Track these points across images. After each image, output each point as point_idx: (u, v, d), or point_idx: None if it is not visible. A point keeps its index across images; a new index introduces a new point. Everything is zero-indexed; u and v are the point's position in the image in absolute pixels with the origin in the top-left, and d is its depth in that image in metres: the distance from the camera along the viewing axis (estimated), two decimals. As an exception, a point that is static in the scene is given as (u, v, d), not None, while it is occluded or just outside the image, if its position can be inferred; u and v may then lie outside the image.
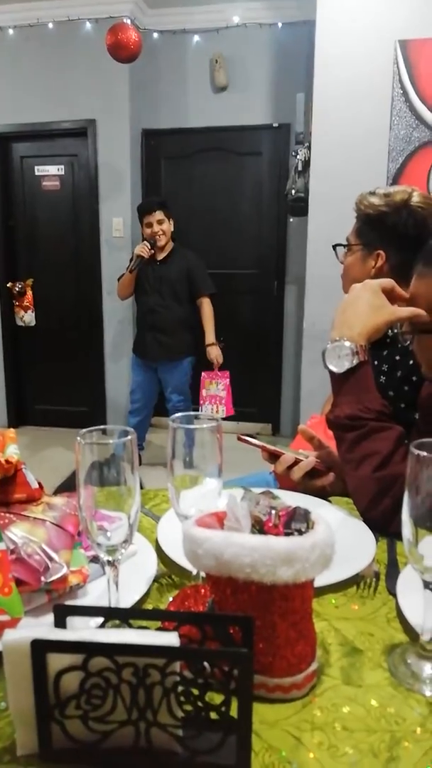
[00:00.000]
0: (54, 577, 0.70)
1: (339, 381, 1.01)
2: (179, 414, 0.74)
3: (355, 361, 0.98)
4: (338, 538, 0.61)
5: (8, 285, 4.40)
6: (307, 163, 3.37)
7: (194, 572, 0.72)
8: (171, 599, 0.70)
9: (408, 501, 0.60)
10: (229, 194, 4.40)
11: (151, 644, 0.48)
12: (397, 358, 1.36)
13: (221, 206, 4.41)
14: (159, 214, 3.45)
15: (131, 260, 3.63)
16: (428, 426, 1.06)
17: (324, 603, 0.76)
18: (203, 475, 0.73)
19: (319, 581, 0.67)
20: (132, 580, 0.75)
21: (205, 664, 0.48)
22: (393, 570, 0.82)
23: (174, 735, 0.48)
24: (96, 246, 4.39)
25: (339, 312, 1.04)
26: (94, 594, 0.75)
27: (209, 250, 4.01)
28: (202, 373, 3.66)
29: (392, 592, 0.77)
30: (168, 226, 3.49)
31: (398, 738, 0.54)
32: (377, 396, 1.00)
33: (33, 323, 4.50)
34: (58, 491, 0.93)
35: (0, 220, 4.51)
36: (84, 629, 0.54)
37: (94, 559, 0.78)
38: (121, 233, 4.32)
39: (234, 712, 0.48)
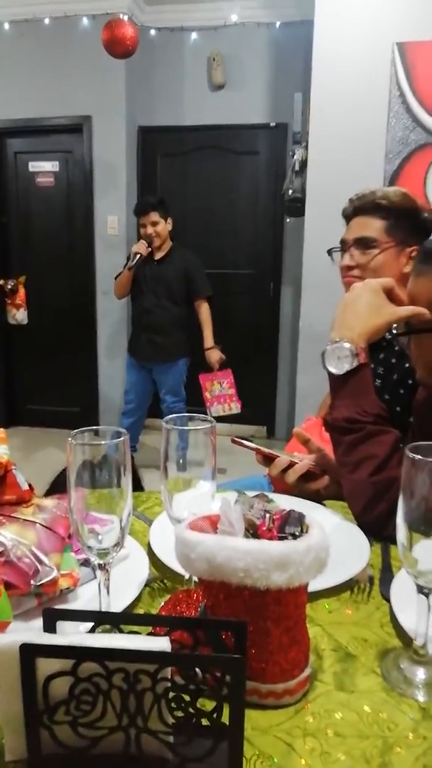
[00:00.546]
0: (44, 581, 0.69)
1: (337, 383, 1.00)
2: (173, 415, 0.73)
3: (354, 363, 0.98)
4: (332, 542, 0.61)
5: (0, 283, 4.37)
6: (304, 163, 3.37)
7: (186, 576, 0.71)
8: (163, 604, 0.69)
9: (402, 505, 0.60)
10: (225, 193, 4.39)
11: (142, 649, 0.47)
12: (393, 361, 1.36)
13: (217, 205, 4.40)
14: (154, 216, 3.43)
15: (128, 258, 3.62)
16: (423, 429, 1.05)
17: (317, 608, 0.75)
18: (197, 478, 0.72)
19: (313, 586, 0.67)
20: (123, 584, 0.74)
21: (197, 669, 0.48)
22: (387, 574, 0.82)
23: (165, 741, 0.48)
24: (90, 243, 4.37)
25: (339, 312, 1.03)
26: (85, 598, 0.74)
27: (205, 250, 4.00)
28: (200, 377, 3.63)
29: (386, 596, 0.77)
30: (163, 227, 3.46)
31: (390, 744, 0.54)
32: (376, 399, 0.99)
33: (25, 322, 4.47)
34: (48, 493, 0.92)
35: (-6, 217, 4.49)
36: (74, 634, 0.53)
37: (85, 563, 0.77)
38: (116, 231, 4.31)
39: (226, 718, 0.47)
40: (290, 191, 3.48)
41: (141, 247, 3.42)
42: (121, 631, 0.55)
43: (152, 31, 4.17)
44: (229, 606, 0.58)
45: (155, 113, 4.35)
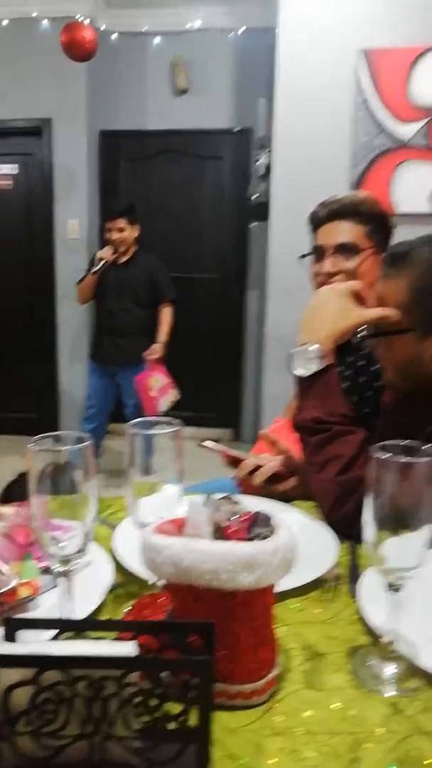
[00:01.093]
0: (3, 590, 0.67)
1: (305, 384, 1.01)
2: (137, 420, 0.72)
3: (321, 365, 0.98)
4: (300, 542, 0.61)
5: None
6: (268, 168, 3.40)
7: (151, 581, 0.70)
8: (128, 609, 0.68)
9: (370, 503, 0.60)
10: (189, 198, 4.39)
11: (107, 655, 0.46)
12: (361, 364, 1.37)
13: (182, 210, 4.40)
14: (121, 222, 3.41)
15: (91, 263, 3.58)
16: (390, 430, 1.06)
17: (286, 607, 0.75)
18: (162, 482, 0.71)
19: (282, 585, 0.67)
20: (87, 591, 0.72)
21: (164, 673, 0.47)
22: (355, 572, 0.83)
23: (131, 747, 0.47)
24: (50, 248, 4.30)
25: (306, 315, 1.04)
26: (47, 606, 0.73)
27: (170, 254, 3.99)
28: (136, 378, 3.48)
29: (354, 594, 0.77)
30: (129, 234, 3.45)
31: (360, 739, 0.54)
32: (343, 400, 1.00)
33: (-17, 327, 4.37)
34: (2, 502, 0.90)
35: None
36: (36, 642, 0.52)
37: (47, 571, 0.75)
38: (77, 235, 4.25)
39: (193, 721, 0.46)
40: (255, 196, 3.50)
41: (107, 253, 3.40)
42: (86, 638, 0.54)
43: (114, 35, 4.15)
44: (196, 609, 0.57)
45: (117, 117, 4.33)
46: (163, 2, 3.96)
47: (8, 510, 0.79)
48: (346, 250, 1.36)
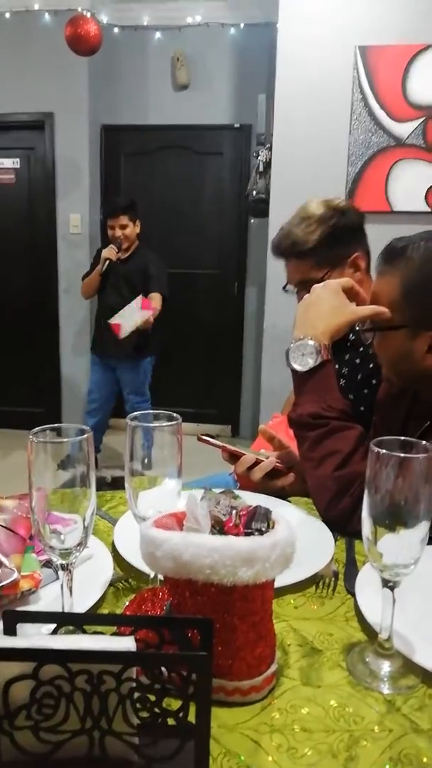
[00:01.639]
0: (4, 583, 0.67)
1: (302, 379, 1.01)
2: (138, 413, 0.72)
3: (318, 360, 0.99)
4: (297, 538, 0.61)
5: (-39, 281, 4.27)
6: (268, 164, 3.39)
7: (151, 575, 0.70)
8: (127, 603, 0.68)
9: (367, 499, 0.60)
10: (189, 193, 4.38)
11: (106, 650, 0.46)
12: (357, 361, 1.37)
13: (181, 205, 4.39)
14: (123, 219, 3.41)
15: (94, 258, 3.58)
16: (386, 424, 1.07)
17: (283, 603, 0.75)
18: (162, 476, 0.71)
19: (279, 581, 0.67)
20: (87, 585, 0.72)
21: (163, 669, 0.47)
22: (351, 569, 0.83)
23: (129, 743, 0.47)
24: (53, 242, 4.30)
25: (301, 312, 1.05)
26: (47, 599, 0.73)
27: (169, 250, 3.98)
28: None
29: (351, 591, 0.77)
30: (131, 231, 3.45)
31: (357, 737, 0.54)
32: (339, 395, 1.01)
33: (-14, 321, 4.38)
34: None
35: None
36: (35, 636, 0.52)
37: (48, 564, 0.75)
38: (78, 229, 4.25)
39: (192, 717, 0.46)
40: (254, 192, 3.49)
41: (111, 253, 3.39)
42: (84, 633, 0.54)
43: (116, 29, 4.13)
44: (195, 603, 0.57)
45: (119, 112, 4.31)
46: (165, -4, 3.95)
47: (10, 502, 0.79)
48: (304, 286, 1.35)
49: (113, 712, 0.46)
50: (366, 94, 3.10)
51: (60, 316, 4.40)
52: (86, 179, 4.20)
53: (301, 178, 3.20)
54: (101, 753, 0.47)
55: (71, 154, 4.17)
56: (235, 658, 0.57)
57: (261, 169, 3.45)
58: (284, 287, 1.44)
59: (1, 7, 3.99)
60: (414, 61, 3.05)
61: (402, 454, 0.59)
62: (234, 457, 1.10)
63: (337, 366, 1.34)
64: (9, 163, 4.33)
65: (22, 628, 0.53)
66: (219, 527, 0.61)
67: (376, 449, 0.59)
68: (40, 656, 0.45)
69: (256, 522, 0.61)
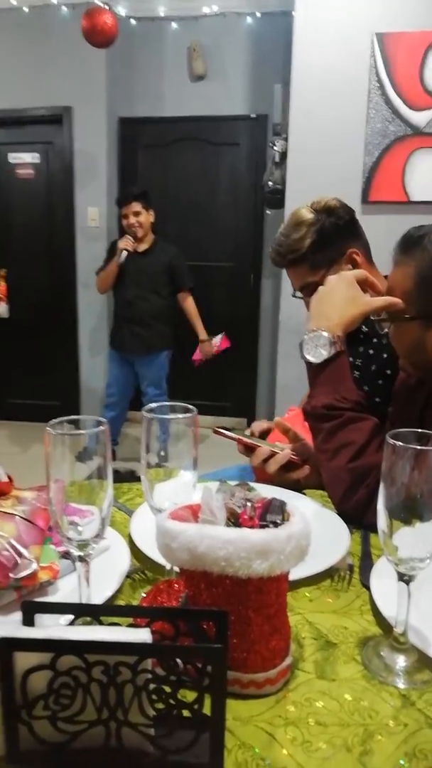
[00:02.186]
0: (23, 574, 0.68)
1: (316, 371, 1.01)
2: (154, 404, 0.72)
3: (332, 351, 0.99)
4: (312, 530, 0.61)
5: (-20, 275, 4.31)
6: (284, 155, 3.36)
7: (167, 567, 0.71)
8: (144, 595, 0.69)
9: (383, 492, 0.60)
10: (205, 185, 4.37)
11: (122, 641, 0.47)
12: (371, 352, 1.36)
13: (198, 197, 4.38)
14: (136, 206, 3.40)
15: (109, 252, 3.58)
16: (401, 415, 1.06)
17: (298, 596, 0.75)
18: (178, 468, 0.72)
19: (294, 574, 0.67)
20: (104, 576, 0.73)
21: (178, 660, 0.47)
22: (367, 562, 0.82)
23: (145, 734, 0.47)
24: (71, 236, 4.32)
25: (315, 304, 1.04)
26: (65, 590, 0.74)
27: (185, 241, 3.98)
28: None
29: (366, 584, 0.77)
30: (146, 218, 3.44)
31: (372, 731, 0.54)
32: (353, 386, 1.00)
33: (6, 315, 4.39)
34: None
35: (-28, 208, 4.41)
36: (53, 627, 0.52)
37: (65, 555, 0.76)
38: (96, 223, 4.26)
39: (207, 709, 0.47)
40: (270, 183, 3.47)
41: (127, 243, 3.40)
42: (101, 624, 0.54)
43: (132, 21, 4.12)
44: (210, 595, 0.58)
45: (136, 104, 4.31)
46: (180, -14, 3.92)
47: (29, 494, 0.80)
48: (306, 290, 1.40)
49: (129, 703, 0.47)
50: (383, 83, 3.06)
51: (78, 309, 4.43)
52: (104, 172, 4.20)
53: (318, 168, 3.17)
54: (117, 743, 0.47)
55: (89, 148, 4.18)
56: (250, 650, 0.57)
57: (277, 159, 3.42)
58: (293, 294, 1.47)
59: (19, 2, 3.99)
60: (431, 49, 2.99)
61: (418, 447, 0.58)
62: (250, 450, 1.11)
63: (351, 358, 1.33)
64: (28, 157, 4.36)
65: (40, 618, 0.54)
66: (234, 519, 0.61)
67: (392, 441, 0.59)
68: (57, 647, 0.46)
69: (271, 514, 0.61)
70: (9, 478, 0.82)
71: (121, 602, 0.74)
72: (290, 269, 1.43)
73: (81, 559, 0.63)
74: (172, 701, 0.47)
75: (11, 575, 0.67)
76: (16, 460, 3.82)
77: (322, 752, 0.52)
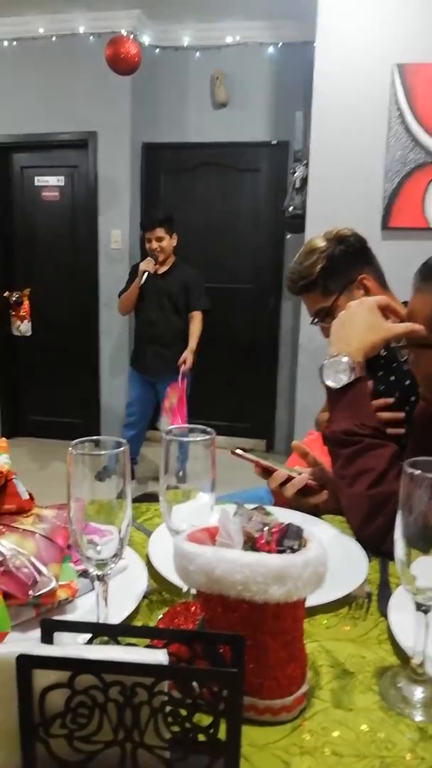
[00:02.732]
0: (42, 591, 0.68)
1: (335, 396, 1.01)
2: (173, 426, 0.73)
3: (352, 377, 0.99)
4: (330, 557, 0.60)
5: (5, 294, 4.39)
6: (304, 181, 3.40)
7: (185, 589, 0.71)
8: (161, 616, 0.69)
9: (401, 520, 0.60)
10: (227, 209, 4.43)
11: (139, 662, 0.47)
12: (393, 378, 1.36)
13: (219, 221, 4.44)
14: (159, 231, 3.47)
15: (131, 274, 3.64)
16: (421, 443, 1.05)
17: (315, 623, 0.75)
18: (196, 490, 0.72)
19: (311, 601, 0.66)
20: (122, 596, 0.73)
21: (194, 683, 0.47)
22: (385, 591, 0.82)
23: (161, 757, 0.47)
24: (94, 257, 4.40)
25: (336, 328, 1.05)
26: (83, 609, 0.74)
27: (206, 264, 4.03)
28: (169, 386, 3.55)
29: (384, 613, 0.76)
30: (168, 243, 3.50)
31: (388, 764, 0.53)
32: (373, 412, 1.00)
33: (29, 333, 4.47)
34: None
35: (-1, 230, 4.52)
36: (71, 645, 0.53)
37: (84, 574, 0.76)
38: (119, 245, 4.34)
39: (222, 734, 0.47)
40: (291, 208, 3.50)
41: (149, 265, 3.46)
42: (118, 644, 0.55)
43: (157, 50, 4.24)
44: (227, 619, 0.58)
45: (159, 130, 4.40)
46: (203, 17, 4.03)
47: (49, 512, 0.81)
48: (320, 316, 1.46)
49: (145, 725, 0.47)
50: (403, 111, 3.09)
51: (100, 329, 4.49)
52: (127, 196, 4.29)
53: (338, 194, 3.20)
54: (133, 765, 0.47)
55: (113, 172, 4.28)
56: (266, 676, 0.57)
57: (297, 185, 3.47)
58: (312, 321, 1.51)
59: (47, 30, 4.14)
60: (452, 78, 3.02)
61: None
62: (267, 472, 1.11)
63: (372, 383, 1.33)
64: (54, 180, 4.47)
65: (59, 636, 0.54)
66: (251, 543, 0.62)
67: (410, 470, 0.59)
68: (76, 666, 0.46)
69: (288, 540, 0.61)
70: (30, 495, 0.83)
71: (138, 623, 0.74)
72: (303, 295, 1.47)
73: (99, 578, 0.64)
74: (187, 724, 0.47)
75: (30, 592, 0.68)
76: (37, 476, 3.85)
77: (338, 783, 0.51)
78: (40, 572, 0.69)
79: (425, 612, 0.61)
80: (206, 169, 4.40)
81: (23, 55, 4.25)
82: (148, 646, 0.54)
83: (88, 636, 0.55)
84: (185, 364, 3.53)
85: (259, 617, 0.56)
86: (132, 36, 3.71)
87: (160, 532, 0.93)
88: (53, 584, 0.70)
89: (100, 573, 0.63)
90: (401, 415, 1.14)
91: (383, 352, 1.36)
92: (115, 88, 4.05)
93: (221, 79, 4.19)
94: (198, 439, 0.72)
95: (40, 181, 4.49)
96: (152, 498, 0.77)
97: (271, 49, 4.12)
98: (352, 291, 1.40)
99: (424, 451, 0.76)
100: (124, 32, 3.71)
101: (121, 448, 0.62)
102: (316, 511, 1.08)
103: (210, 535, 0.63)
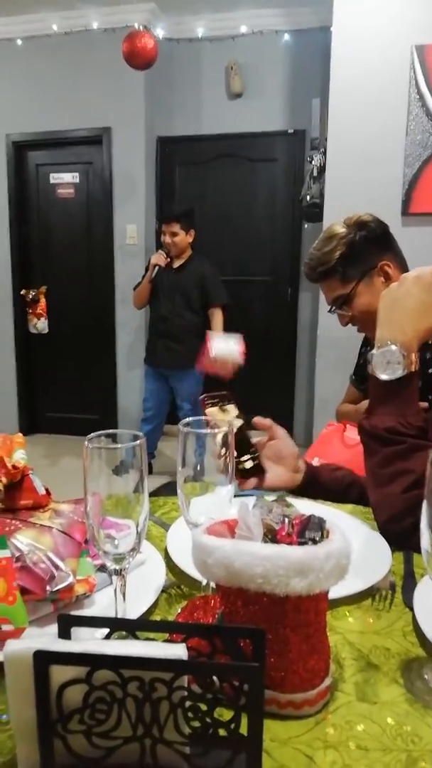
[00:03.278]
0: (60, 586, 0.68)
1: (382, 389, 0.93)
2: (190, 419, 0.72)
3: (405, 371, 0.90)
4: (353, 548, 0.59)
5: (22, 292, 4.43)
6: (322, 169, 3.36)
7: (204, 583, 0.70)
8: (179, 610, 0.68)
9: (427, 509, 0.58)
10: (243, 201, 4.40)
11: (158, 657, 0.46)
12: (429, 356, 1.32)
13: (235, 213, 4.41)
14: (174, 226, 3.45)
15: (146, 268, 3.64)
16: None
17: (338, 616, 0.73)
18: (214, 483, 0.71)
19: (334, 593, 0.65)
20: (140, 590, 0.73)
21: (214, 678, 0.46)
22: (409, 582, 0.80)
23: (181, 752, 0.46)
24: (110, 253, 4.41)
25: (385, 309, 0.94)
26: (101, 604, 0.74)
27: (223, 257, 4.01)
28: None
29: (409, 604, 0.74)
30: (182, 239, 3.48)
31: (415, 758, 0.52)
32: (419, 410, 0.93)
33: (46, 330, 4.52)
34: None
35: (15, 227, 4.55)
36: (89, 640, 0.52)
37: (102, 568, 0.76)
38: (135, 240, 4.34)
39: (244, 729, 0.46)
40: (308, 197, 3.47)
41: (160, 259, 3.45)
42: (136, 638, 0.54)
43: (171, 42, 4.21)
44: (247, 613, 0.57)
45: (174, 123, 4.39)
46: (217, 7, 3.99)
47: (66, 506, 0.81)
48: (338, 303, 1.43)
49: (164, 721, 0.46)
50: (423, 94, 3.03)
51: (116, 324, 4.50)
52: (142, 190, 4.29)
53: (356, 181, 3.16)
54: (152, 761, 0.47)
55: (128, 167, 4.28)
56: (288, 670, 0.56)
57: (315, 173, 3.43)
58: (329, 309, 1.49)
59: (60, 27, 4.14)
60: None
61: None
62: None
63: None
64: (69, 177, 4.48)
65: (76, 632, 0.54)
66: (271, 536, 0.60)
67: (436, 457, 0.57)
68: (93, 661, 0.46)
69: (309, 531, 0.60)
70: (47, 490, 0.83)
71: (157, 617, 0.73)
72: (322, 283, 1.44)
73: (117, 572, 0.63)
74: (208, 719, 0.46)
75: (48, 588, 0.68)
76: (54, 472, 3.89)
77: (364, 779, 0.50)
78: (57, 567, 0.69)
79: (451, 604, 0.59)
80: (222, 161, 4.37)
81: (37, 53, 4.26)
82: (167, 641, 0.53)
83: (106, 631, 0.55)
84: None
85: (280, 610, 0.55)
86: (146, 29, 3.69)
87: (178, 525, 0.92)
88: (71, 579, 0.69)
89: (117, 567, 0.63)
90: (425, 404, 1.09)
91: None
92: (129, 82, 4.04)
93: (236, 69, 4.15)
94: (216, 431, 0.71)
95: (55, 178, 4.51)
96: (172, 488, 0.76)
97: (286, 37, 4.07)
98: (372, 278, 1.38)
99: None
100: (137, 26, 3.69)
101: (138, 442, 0.61)
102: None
103: (229, 528, 0.62)
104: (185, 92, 4.33)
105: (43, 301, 4.40)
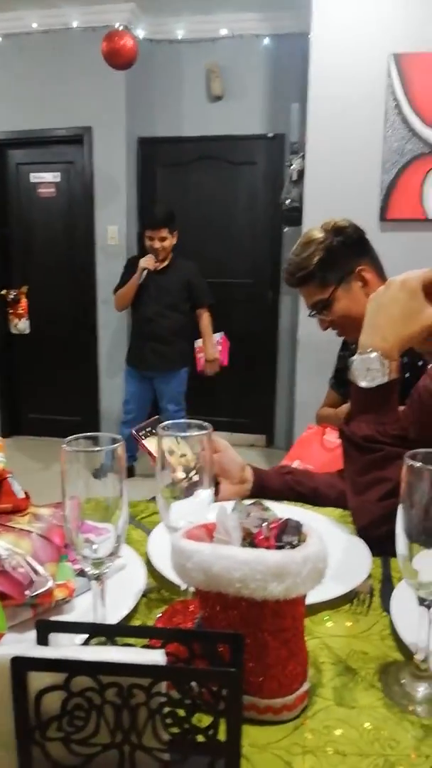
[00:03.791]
0: (39, 591, 0.67)
1: (361, 395, 0.93)
2: (168, 422, 0.72)
3: (385, 379, 0.90)
4: (332, 552, 0.59)
5: (2, 292, 4.38)
6: (301, 173, 3.38)
7: (183, 587, 0.70)
8: (159, 615, 0.68)
9: (402, 514, 0.59)
10: (223, 203, 4.41)
11: (136, 663, 0.46)
12: (420, 363, 1.33)
13: (216, 215, 4.42)
14: (163, 231, 3.45)
15: (125, 269, 3.62)
16: (423, 420, 1.00)
17: (317, 620, 0.74)
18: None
19: (313, 597, 0.65)
20: (120, 595, 0.72)
21: (193, 684, 0.46)
22: (387, 586, 0.81)
23: (159, 759, 0.46)
24: (91, 253, 4.38)
25: (371, 313, 0.93)
26: (81, 609, 0.73)
27: (203, 259, 4.01)
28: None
29: (386, 608, 0.75)
30: (170, 242, 3.49)
31: (392, 762, 0.52)
32: (398, 417, 0.93)
33: (27, 331, 4.46)
34: None
35: (-5, 227, 4.50)
36: (67, 646, 0.52)
37: (82, 573, 0.75)
38: (116, 241, 4.32)
39: (222, 734, 0.46)
40: (288, 201, 3.49)
41: (150, 263, 3.44)
42: (115, 644, 0.54)
43: (151, 43, 4.21)
44: (226, 617, 0.57)
45: (155, 124, 4.38)
46: (197, 9, 4.00)
47: (45, 510, 0.80)
48: (317, 308, 1.46)
49: (143, 727, 0.46)
50: (400, 102, 3.07)
51: (98, 326, 4.47)
52: (123, 191, 4.27)
53: (335, 186, 3.19)
54: None
55: (108, 167, 4.26)
56: (266, 675, 0.56)
57: (294, 177, 3.45)
58: (309, 314, 1.51)
59: (40, 24, 4.11)
60: (449, 68, 3.00)
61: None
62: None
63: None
64: (50, 177, 4.45)
65: (55, 637, 0.53)
66: (250, 540, 0.61)
67: (410, 462, 0.58)
68: (71, 667, 0.45)
69: (287, 535, 0.60)
70: (26, 494, 0.82)
71: (137, 622, 0.73)
72: (301, 288, 1.46)
73: (96, 577, 0.63)
74: (186, 725, 0.46)
75: (27, 592, 0.67)
76: (35, 475, 3.84)
77: (341, 782, 0.50)
78: (36, 572, 0.68)
79: (428, 607, 0.60)
80: (202, 163, 4.37)
81: (16, 51, 4.21)
82: (145, 646, 0.53)
83: (85, 636, 0.54)
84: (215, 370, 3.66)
85: (259, 615, 0.55)
86: (126, 29, 3.68)
87: (159, 529, 0.92)
88: (50, 584, 0.69)
89: (96, 572, 0.62)
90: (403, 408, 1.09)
91: None
92: (110, 82, 4.02)
93: (216, 72, 4.16)
94: (194, 434, 0.71)
95: (35, 177, 4.46)
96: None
97: (266, 41, 4.09)
98: (350, 283, 1.40)
99: (423, 427, 0.72)
100: (117, 26, 3.68)
101: (117, 445, 0.61)
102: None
103: (208, 532, 0.62)
104: (166, 94, 4.33)
105: (24, 301, 4.34)
